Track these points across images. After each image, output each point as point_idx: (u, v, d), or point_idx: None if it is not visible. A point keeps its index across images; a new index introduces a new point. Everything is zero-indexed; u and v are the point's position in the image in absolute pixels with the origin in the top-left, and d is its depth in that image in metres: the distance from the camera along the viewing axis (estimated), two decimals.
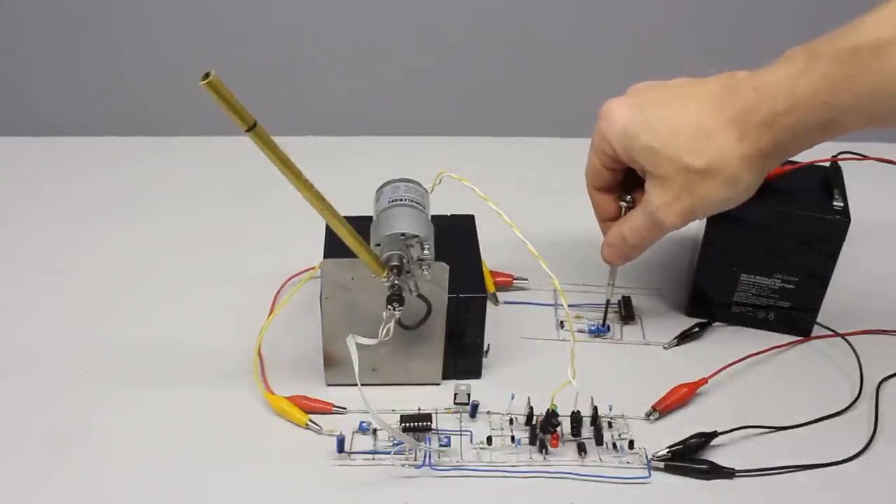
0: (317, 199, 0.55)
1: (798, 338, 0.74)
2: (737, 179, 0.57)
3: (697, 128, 0.56)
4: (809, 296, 0.72)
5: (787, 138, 0.54)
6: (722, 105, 0.56)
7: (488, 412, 0.66)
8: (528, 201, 0.87)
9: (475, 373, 0.69)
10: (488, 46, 1.03)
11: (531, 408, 0.65)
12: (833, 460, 0.63)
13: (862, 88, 0.51)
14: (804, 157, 0.72)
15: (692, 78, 0.59)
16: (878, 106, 0.51)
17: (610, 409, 0.66)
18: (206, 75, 0.46)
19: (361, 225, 0.65)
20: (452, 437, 0.64)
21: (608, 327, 0.74)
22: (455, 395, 0.66)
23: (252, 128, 0.49)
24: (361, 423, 0.65)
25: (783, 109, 0.53)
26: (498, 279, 0.78)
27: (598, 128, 0.61)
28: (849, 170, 0.74)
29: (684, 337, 0.74)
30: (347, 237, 0.58)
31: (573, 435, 0.64)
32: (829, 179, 0.72)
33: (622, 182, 0.65)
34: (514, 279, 0.78)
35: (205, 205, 0.90)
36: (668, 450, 0.63)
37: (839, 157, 0.74)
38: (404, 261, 0.61)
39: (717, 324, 0.75)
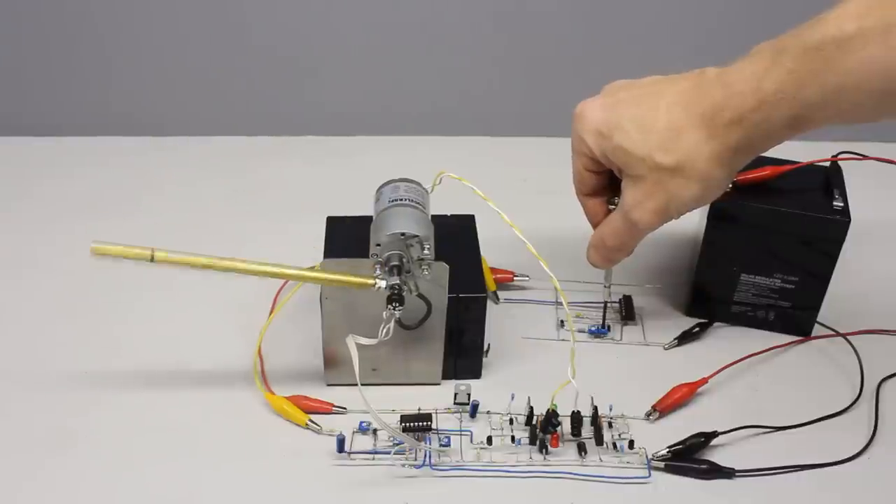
0: (257, 269, 0.61)
1: (798, 338, 0.74)
2: (707, 176, 0.57)
3: (667, 126, 0.56)
4: (809, 296, 0.72)
5: (757, 134, 0.54)
6: (691, 103, 0.56)
7: (488, 412, 0.66)
8: (527, 201, 0.87)
9: (475, 373, 0.69)
10: (488, 46, 1.03)
11: (531, 408, 0.65)
12: (833, 460, 0.63)
13: (827, 83, 0.51)
14: (804, 157, 0.72)
15: (664, 76, 0.59)
16: (843, 100, 0.51)
17: (610, 409, 0.66)
18: (91, 249, 0.56)
19: (361, 225, 0.66)
20: (452, 437, 0.64)
21: (608, 328, 0.74)
22: (455, 395, 0.66)
23: (152, 258, 0.58)
24: (361, 423, 0.65)
25: (751, 107, 0.53)
26: (498, 276, 0.78)
27: (574, 129, 0.62)
28: (849, 170, 0.74)
29: (684, 337, 0.74)
30: (316, 280, 0.61)
31: (573, 435, 0.64)
32: (829, 179, 0.72)
33: (608, 185, 0.65)
34: (515, 276, 0.78)
35: (204, 204, 0.90)
36: (668, 450, 0.63)
37: (839, 157, 0.74)
38: (404, 261, 0.61)
39: (717, 324, 0.75)
